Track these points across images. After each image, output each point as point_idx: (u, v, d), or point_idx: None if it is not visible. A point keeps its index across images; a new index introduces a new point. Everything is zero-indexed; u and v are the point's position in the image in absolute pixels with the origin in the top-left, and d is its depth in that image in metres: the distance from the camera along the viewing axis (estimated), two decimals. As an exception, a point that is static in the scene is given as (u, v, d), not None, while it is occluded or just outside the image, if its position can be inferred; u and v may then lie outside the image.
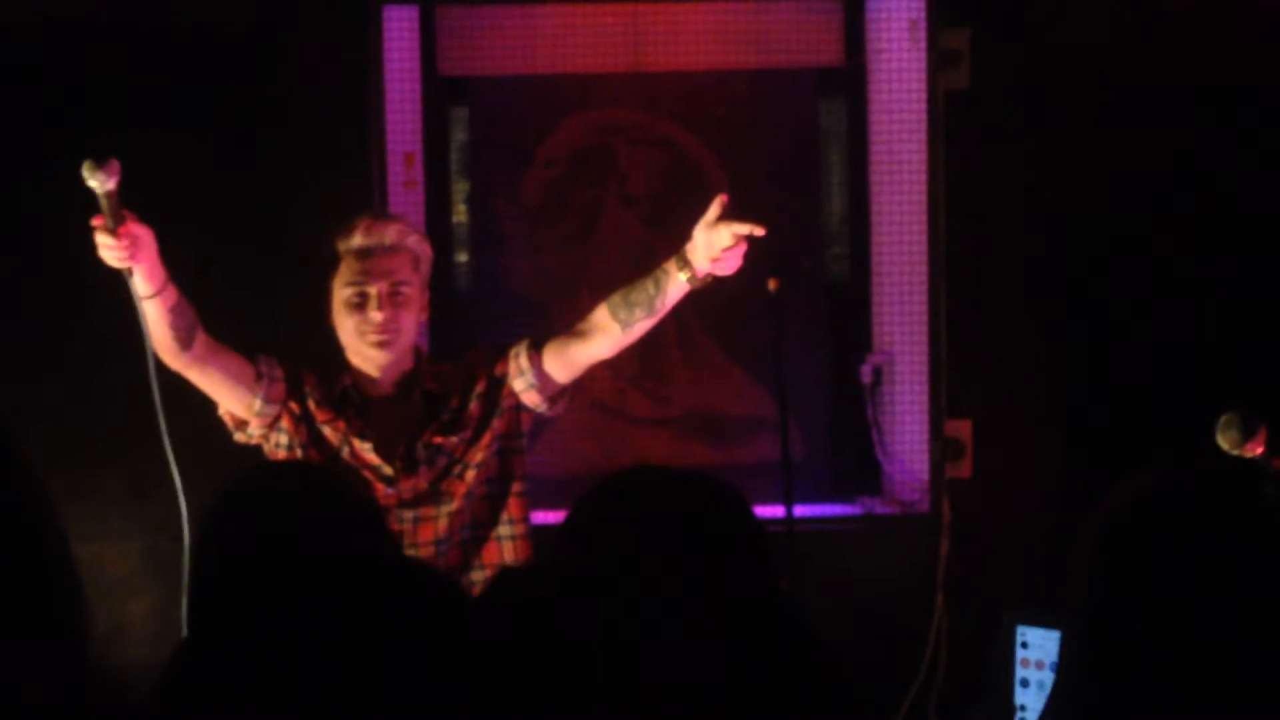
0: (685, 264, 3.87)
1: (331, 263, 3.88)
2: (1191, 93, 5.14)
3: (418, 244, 3.89)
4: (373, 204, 4.80)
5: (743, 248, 3.85)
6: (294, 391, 3.90)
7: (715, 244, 3.79)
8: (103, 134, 4.82)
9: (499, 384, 3.97)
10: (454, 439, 3.92)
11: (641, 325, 3.92)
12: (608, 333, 3.92)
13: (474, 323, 5.13)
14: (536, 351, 3.97)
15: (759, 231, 3.81)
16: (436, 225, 5.05)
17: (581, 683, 1.53)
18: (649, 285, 3.90)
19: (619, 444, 5.20)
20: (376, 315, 3.80)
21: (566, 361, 3.96)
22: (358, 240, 3.83)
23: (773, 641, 1.63)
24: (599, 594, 1.59)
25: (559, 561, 1.69)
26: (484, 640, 1.58)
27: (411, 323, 3.88)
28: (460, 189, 5.20)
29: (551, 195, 5.18)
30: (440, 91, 5.11)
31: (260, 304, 4.75)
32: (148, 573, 4.90)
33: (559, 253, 5.19)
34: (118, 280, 3.72)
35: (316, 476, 2.64)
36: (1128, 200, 5.18)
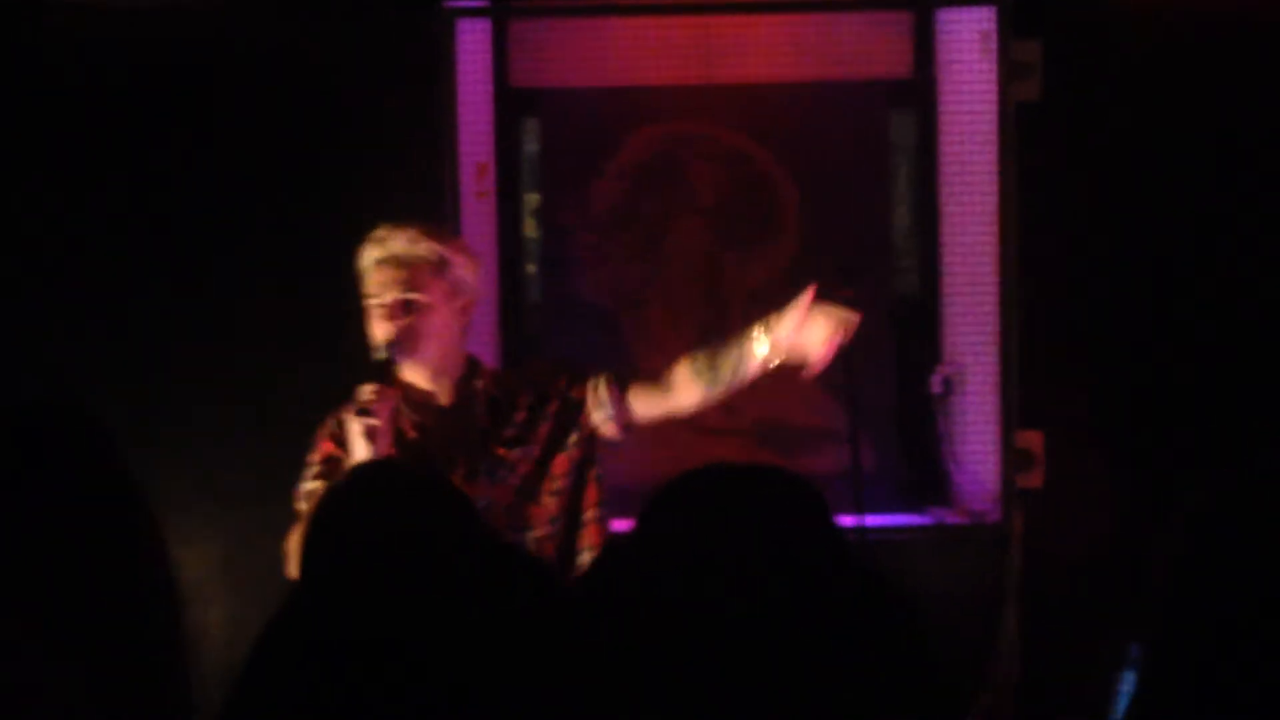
0: (765, 337, 3.81)
1: (360, 275, 3.84)
2: (1266, 99, 5.10)
3: (435, 249, 3.79)
4: (444, 215, 4.84)
5: (837, 340, 3.75)
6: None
7: (812, 335, 3.73)
8: (182, 145, 4.90)
9: (575, 410, 3.92)
10: (518, 452, 3.88)
11: (724, 390, 3.91)
12: (691, 393, 3.92)
13: (544, 333, 5.16)
14: (619, 388, 3.94)
15: (852, 321, 3.70)
16: (507, 236, 5.08)
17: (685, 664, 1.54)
18: (733, 353, 3.87)
19: (689, 453, 5.21)
20: (388, 325, 3.75)
21: (649, 407, 3.95)
22: (373, 252, 3.80)
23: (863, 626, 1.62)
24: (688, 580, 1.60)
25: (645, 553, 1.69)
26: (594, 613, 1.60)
27: (437, 329, 3.80)
28: (531, 200, 5.23)
29: (621, 206, 5.21)
30: (512, 103, 5.15)
31: (333, 317, 4.79)
32: (224, 580, 4.95)
33: (628, 263, 5.22)
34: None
35: (407, 473, 2.65)
36: (1204, 211, 5.14)
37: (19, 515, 1.62)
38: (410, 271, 3.73)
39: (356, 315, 4.42)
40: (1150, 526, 5.19)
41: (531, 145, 5.21)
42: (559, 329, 5.17)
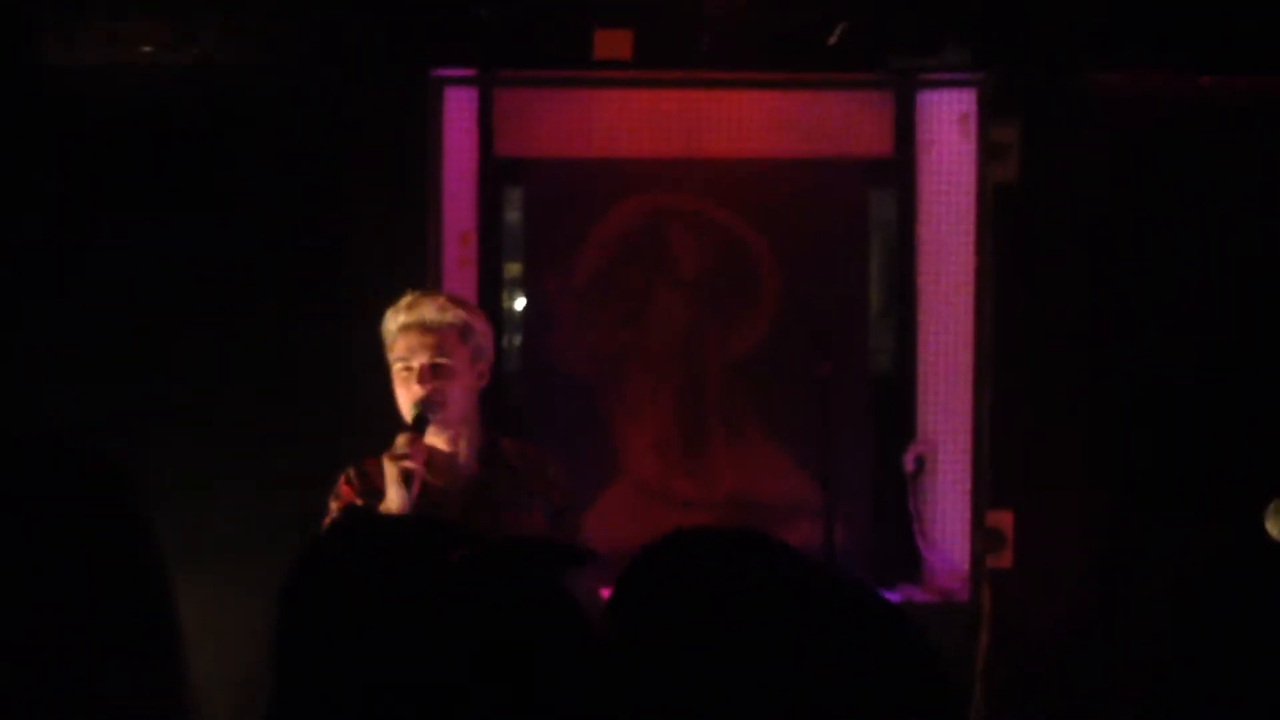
0: None
1: (386, 340, 3.95)
2: (1244, 181, 5.16)
3: (464, 317, 3.95)
4: (426, 281, 4.86)
5: None
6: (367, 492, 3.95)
7: None
8: (163, 200, 4.93)
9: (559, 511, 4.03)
10: (524, 520, 3.97)
11: None
12: None
13: (524, 403, 5.18)
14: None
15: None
16: (488, 304, 5.11)
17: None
18: None
19: (662, 525, 5.21)
20: (418, 389, 3.87)
21: None
22: (403, 317, 3.92)
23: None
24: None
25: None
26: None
27: (461, 392, 3.92)
28: (513, 269, 5.26)
29: (603, 277, 5.24)
30: (496, 172, 5.19)
31: (315, 377, 4.81)
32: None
33: (609, 333, 5.24)
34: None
35: (393, 519, 2.66)
36: (1177, 293, 5.20)
37: (23, 547, 1.63)
38: (438, 337, 3.88)
39: (339, 374, 4.45)
40: (1119, 608, 5.23)
41: (515, 214, 5.24)
42: (539, 399, 5.19)
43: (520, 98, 5.17)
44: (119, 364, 4.94)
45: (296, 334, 4.92)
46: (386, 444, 3.94)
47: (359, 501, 3.89)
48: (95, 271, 4.97)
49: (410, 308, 3.91)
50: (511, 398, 5.17)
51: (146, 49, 4.93)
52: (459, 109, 5.10)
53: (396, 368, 3.91)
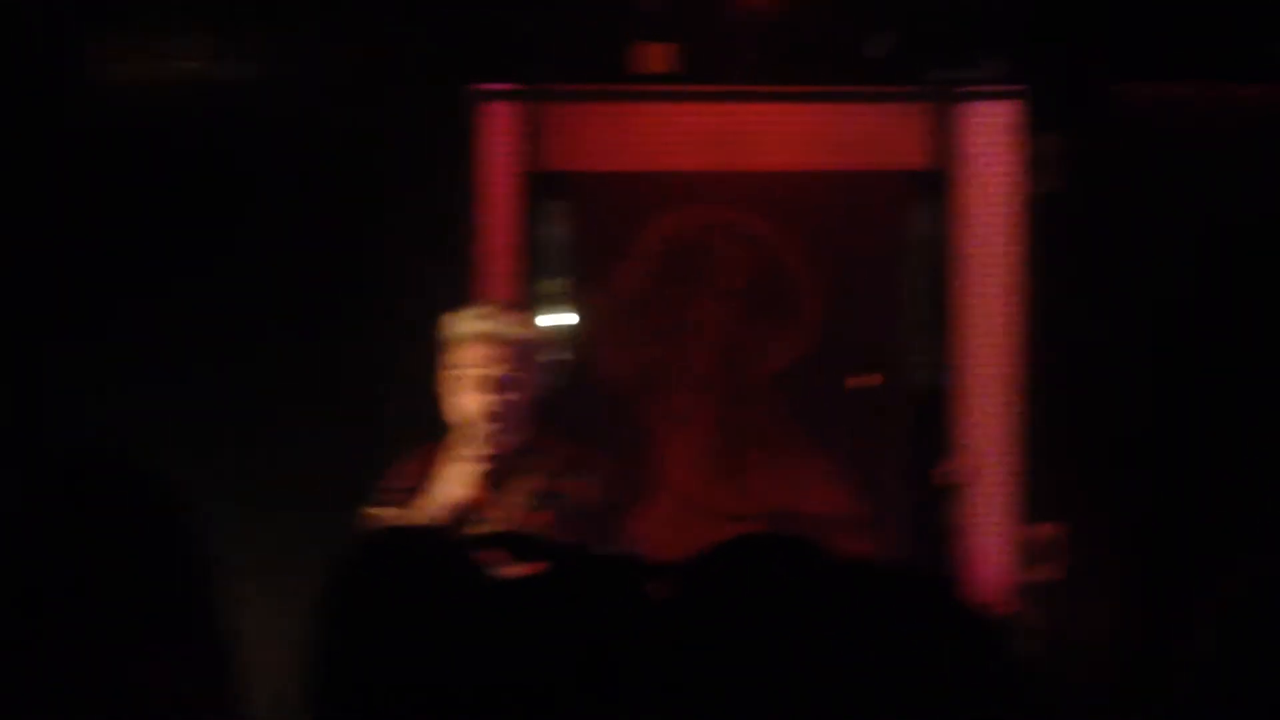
0: None
1: (453, 345, 4.00)
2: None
3: (534, 333, 4.09)
4: (469, 296, 4.86)
5: None
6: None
7: None
8: (205, 215, 4.95)
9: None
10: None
11: None
12: None
13: (566, 416, 5.17)
14: None
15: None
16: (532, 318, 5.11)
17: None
18: None
19: (703, 538, 5.20)
20: (486, 398, 3.90)
21: None
22: (474, 326, 3.96)
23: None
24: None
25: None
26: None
27: (524, 405, 4.00)
28: (556, 282, 5.26)
29: (646, 290, 5.24)
30: (537, 186, 5.19)
31: (357, 392, 4.83)
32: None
33: (652, 345, 5.24)
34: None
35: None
36: (1222, 303, 5.16)
37: (67, 562, 1.64)
38: (513, 350, 3.96)
39: (385, 385, 4.47)
40: (1170, 622, 5.18)
41: (557, 228, 5.24)
42: (581, 411, 5.18)
43: (561, 112, 5.17)
44: (162, 379, 4.95)
45: (337, 348, 4.94)
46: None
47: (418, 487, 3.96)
48: (140, 287, 4.99)
49: (485, 318, 4.00)
50: (553, 410, 5.16)
51: (189, 64, 4.95)
52: (500, 123, 5.11)
53: (462, 373, 3.96)
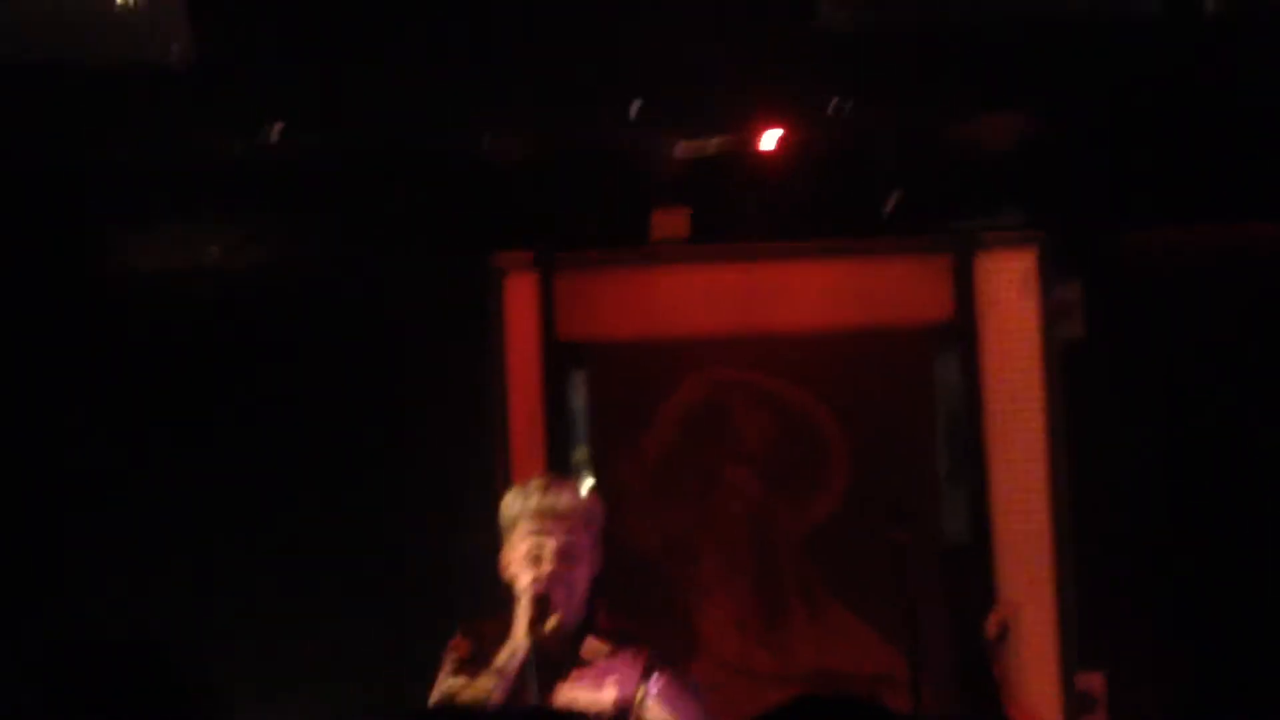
0: None
1: (511, 523, 4.00)
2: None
3: (587, 503, 4.04)
4: (493, 466, 4.86)
5: None
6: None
7: None
8: (227, 396, 4.98)
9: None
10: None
11: None
12: None
13: (597, 583, 5.13)
14: None
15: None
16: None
17: None
18: None
19: (743, 701, 5.14)
20: (548, 568, 3.89)
21: None
22: (535, 499, 3.96)
23: None
24: None
25: None
26: None
27: (583, 578, 3.97)
28: (581, 452, 5.25)
29: (672, 455, 5.23)
30: (559, 356, 5.20)
31: (392, 577, 4.82)
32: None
33: (680, 511, 5.22)
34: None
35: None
36: (1254, 443, 5.12)
37: None
38: (571, 522, 3.95)
39: (412, 556, 4.47)
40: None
41: (579, 398, 5.25)
42: (612, 579, 5.14)
43: (580, 280, 5.20)
44: (185, 560, 4.95)
45: (364, 526, 4.93)
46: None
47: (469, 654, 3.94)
48: (168, 473, 5.00)
49: (544, 490, 3.98)
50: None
51: (212, 252, 5.01)
52: (519, 295, 5.13)
53: (522, 548, 3.95)
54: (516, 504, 3.99)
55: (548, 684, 3.95)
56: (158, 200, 5.06)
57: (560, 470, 5.19)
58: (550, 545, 3.92)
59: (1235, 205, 5.14)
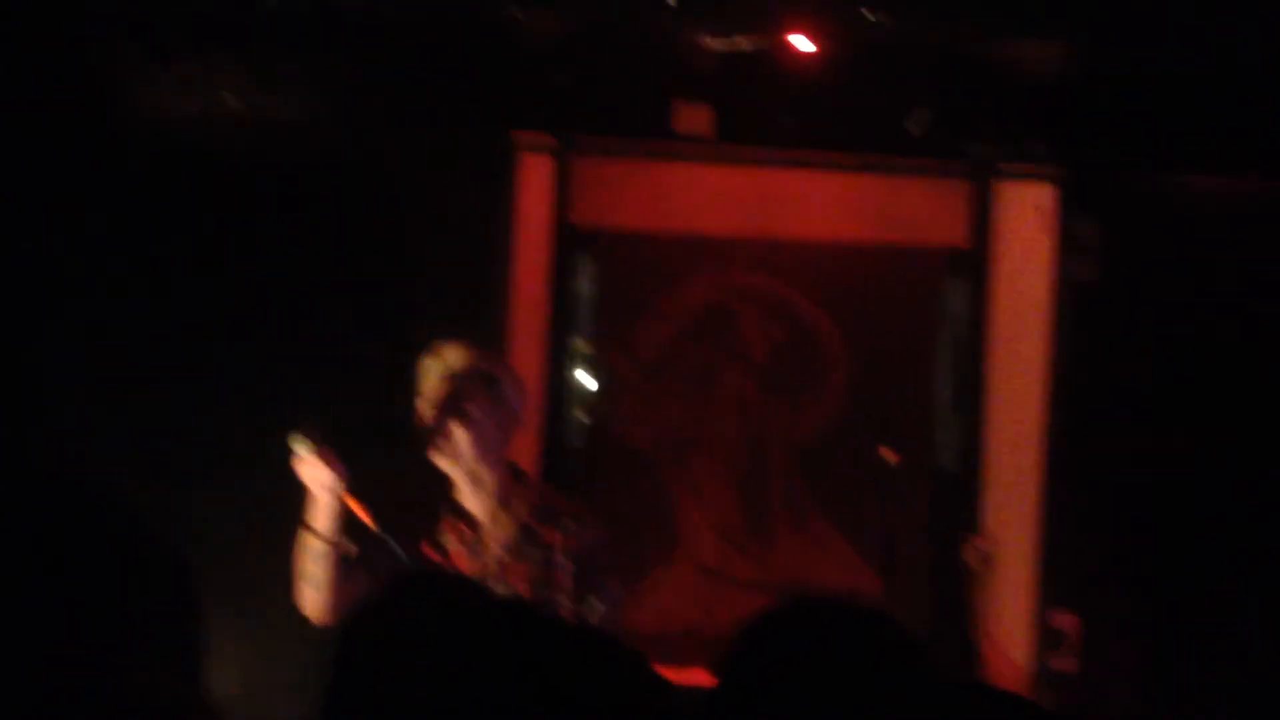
0: None
1: (421, 385, 4.00)
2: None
3: (486, 367, 4.03)
4: (494, 344, 4.85)
5: None
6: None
7: None
8: (237, 253, 4.94)
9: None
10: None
11: None
12: None
13: (586, 479, 5.12)
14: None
15: None
16: (556, 376, 5.08)
17: None
18: None
19: (718, 606, 5.15)
20: (428, 420, 3.93)
21: None
22: (432, 365, 3.99)
23: None
24: None
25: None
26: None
27: (481, 441, 3.96)
28: (581, 340, 5.23)
29: (670, 352, 5.21)
30: (570, 240, 5.17)
31: (386, 426, 4.80)
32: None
33: (675, 410, 5.20)
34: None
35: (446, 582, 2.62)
36: (1256, 398, 5.11)
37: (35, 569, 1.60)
38: (463, 385, 3.92)
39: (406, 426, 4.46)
40: (1183, 713, 5.11)
41: (586, 284, 5.22)
42: (602, 474, 5.14)
43: (597, 167, 5.17)
44: (176, 410, 4.93)
45: (361, 394, 4.91)
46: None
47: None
48: (170, 322, 4.98)
49: (439, 355, 4.00)
50: (574, 471, 5.12)
51: (231, 100, 4.97)
52: (535, 175, 5.10)
53: (424, 411, 3.97)
54: (422, 369, 4.02)
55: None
56: (179, 44, 5.01)
57: (560, 354, 5.18)
58: (441, 407, 3.94)
59: (1266, 159, 5.10)
